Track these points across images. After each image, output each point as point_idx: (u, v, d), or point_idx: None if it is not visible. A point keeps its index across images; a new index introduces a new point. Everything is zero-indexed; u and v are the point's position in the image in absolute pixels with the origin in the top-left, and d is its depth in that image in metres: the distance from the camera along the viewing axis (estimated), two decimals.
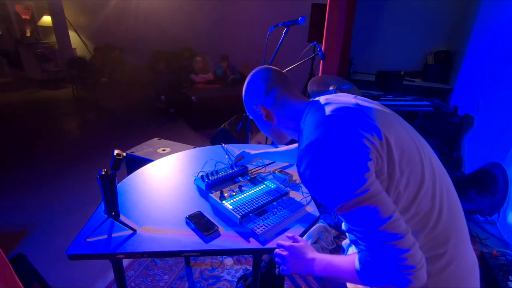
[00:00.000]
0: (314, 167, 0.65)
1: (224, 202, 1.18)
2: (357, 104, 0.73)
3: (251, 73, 0.92)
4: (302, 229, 1.09)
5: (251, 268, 1.97)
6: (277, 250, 0.90)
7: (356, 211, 0.62)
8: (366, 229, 0.62)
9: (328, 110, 0.72)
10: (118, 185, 1.13)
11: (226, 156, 1.65)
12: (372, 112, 0.71)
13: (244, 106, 0.96)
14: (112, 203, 1.02)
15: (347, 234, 0.77)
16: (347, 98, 0.77)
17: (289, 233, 0.97)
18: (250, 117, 0.98)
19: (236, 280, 1.89)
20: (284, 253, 0.87)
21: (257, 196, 1.24)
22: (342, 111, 0.71)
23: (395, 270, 0.60)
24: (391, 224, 0.60)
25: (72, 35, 7.49)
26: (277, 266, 0.90)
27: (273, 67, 0.92)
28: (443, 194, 0.72)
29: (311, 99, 0.84)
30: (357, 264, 0.68)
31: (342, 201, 0.63)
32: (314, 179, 0.66)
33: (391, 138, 0.67)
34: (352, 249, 0.89)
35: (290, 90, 0.88)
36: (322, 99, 0.80)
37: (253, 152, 1.46)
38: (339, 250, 2.10)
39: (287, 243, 0.89)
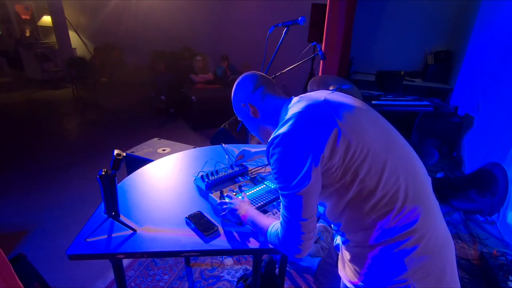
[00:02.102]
0: (272, 157, 0.81)
1: None
2: (325, 100, 0.84)
3: (240, 77, 1.03)
4: None
5: (251, 268, 1.97)
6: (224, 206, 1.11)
7: (287, 199, 0.80)
8: (291, 217, 0.81)
9: (297, 108, 0.84)
10: (118, 185, 1.13)
11: (226, 156, 1.65)
12: (337, 107, 0.82)
13: (233, 106, 1.06)
14: (112, 203, 1.02)
15: (332, 226, 0.92)
16: (319, 94, 0.88)
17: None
18: (238, 117, 1.08)
19: (236, 280, 1.89)
20: (227, 199, 1.13)
21: (257, 196, 1.24)
22: (307, 109, 0.82)
23: (291, 254, 0.84)
24: (304, 223, 0.79)
25: (72, 35, 7.49)
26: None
27: (259, 72, 1.04)
28: (408, 177, 0.80)
29: (290, 97, 0.95)
30: (269, 230, 0.92)
31: (281, 188, 0.81)
32: (272, 165, 0.83)
33: (350, 129, 0.78)
34: (339, 240, 0.96)
35: (274, 89, 0.99)
36: (297, 97, 0.91)
37: (253, 150, 1.48)
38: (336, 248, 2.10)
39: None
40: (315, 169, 0.76)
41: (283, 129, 0.79)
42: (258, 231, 1.01)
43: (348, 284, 0.89)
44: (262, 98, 0.97)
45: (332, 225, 0.92)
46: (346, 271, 0.90)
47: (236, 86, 1.03)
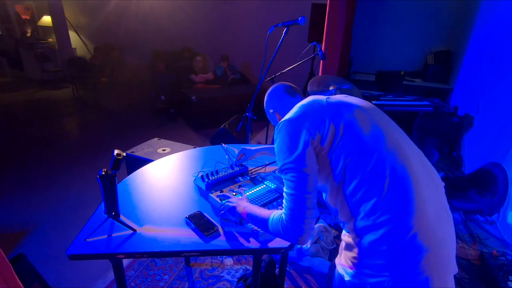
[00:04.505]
0: (276, 141, 0.94)
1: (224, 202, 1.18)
2: (327, 98, 0.96)
3: (271, 87, 1.19)
4: None
5: (251, 268, 1.97)
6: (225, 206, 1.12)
7: (293, 175, 0.87)
8: (297, 192, 0.86)
9: (302, 102, 0.98)
10: (118, 185, 1.13)
11: (226, 156, 1.65)
12: (337, 103, 0.93)
13: (265, 111, 1.21)
14: (112, 203, 1.02)
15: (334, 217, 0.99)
16: (320, 96, 1.00)
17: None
18: (269, 119, 1.21)
19: (236, 280, 1.89)
20: (226, 199, 1.15)
21: (257, 196, 1.24)
22: (309, 102, 0.95)
23: (294, 236, 0.86)
24: (309, 197, 0.86)
25: (72, 35, 7.49)
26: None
27: (286, 83, 1.18)
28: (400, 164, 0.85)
29: (305, 97, 1.04)
30: (271, 217, 0.93)
31: (285, 169, 0.89)
32: (275, 148, 0.94)
33: (342, 122, 0.88)
34: (343, 235, 0.97)
35: (294, 94, 1.12)
36: (309, 97, 1.02)
37: (253, 148, 1.49)
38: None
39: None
40: (308, 149, 0.87)
41: (286, 116, 0.93)
42: (258, 223, 1.00)
43: (340, 270, 0.93)
44: (283, 105, 1.11)
45: (334, 216, 0.96)
46: (341, 259, 0.94)
47: (266, 96, 1.19)
